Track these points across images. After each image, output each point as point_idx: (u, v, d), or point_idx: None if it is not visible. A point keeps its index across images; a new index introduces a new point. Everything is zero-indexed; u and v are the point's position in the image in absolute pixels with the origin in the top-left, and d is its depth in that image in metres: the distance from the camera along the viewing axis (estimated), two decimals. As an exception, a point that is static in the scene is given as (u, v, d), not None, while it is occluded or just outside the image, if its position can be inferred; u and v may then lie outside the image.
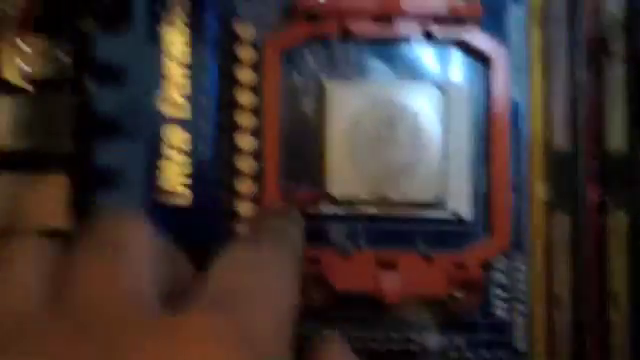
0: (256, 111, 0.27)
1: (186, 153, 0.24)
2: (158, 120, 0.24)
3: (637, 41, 0.26)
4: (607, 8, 0.27)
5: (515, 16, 0.29)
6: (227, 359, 0.14)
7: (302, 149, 0.28)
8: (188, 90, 0.24)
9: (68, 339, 0.15)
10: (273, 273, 0.19)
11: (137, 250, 0.17)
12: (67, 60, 0.24)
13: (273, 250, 0.20)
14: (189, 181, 0.24)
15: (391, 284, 0.26)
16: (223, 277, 0.18)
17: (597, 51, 0.27)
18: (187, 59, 0.24)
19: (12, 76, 0.24)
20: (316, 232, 0.27)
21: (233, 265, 0.19)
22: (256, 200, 0.27)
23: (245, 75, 0.26)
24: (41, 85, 0.24)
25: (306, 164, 0.28)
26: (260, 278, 0.18)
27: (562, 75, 0.27)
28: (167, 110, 0.24)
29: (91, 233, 0.18)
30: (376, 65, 0.29)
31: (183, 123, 0.24)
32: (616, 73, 0.26)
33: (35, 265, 0.17)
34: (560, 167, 0.27)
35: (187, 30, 0.24)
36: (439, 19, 0.27)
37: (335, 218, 0.28)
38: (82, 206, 0.22)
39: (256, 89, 0.27)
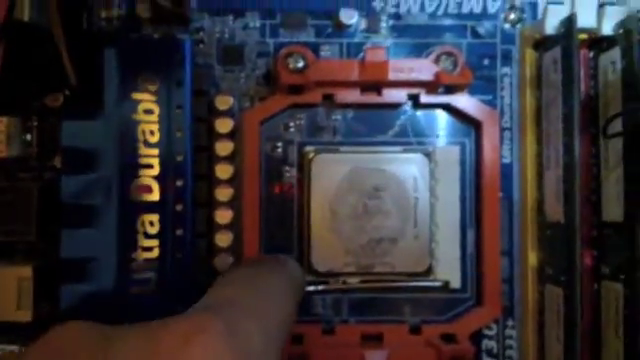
0: (235, 183, 0.26)
1: (159, 236, 0.22)
2: (129, 206, 0.22)
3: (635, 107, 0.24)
4: (605, 73, 0.25)
5: (507, 78, 0.28)
6: (210, 347, 0.15)
7: (283, 221, 0.27)
8: (160, 171, 0.22)
9: None
10: (266, 291, 0.20)
11: None
12: (32, 140, 0.22)
13: (271, 273, 0.21)
14: (160, 264, 0.22)
15: (377, 365, 0.25)
16: (220, 290, 0.19)
17: (593, 118, 0.26)
18: (160, 139, 0.22)
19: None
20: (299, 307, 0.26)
21: (231, 281, 0.20)
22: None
23: (224, 148, 0.25)
24: (6, 165, 0.23)
25: (288, 237, 0.27)
26: (253, 293, 0.19)
27: (555, 141, 0.26)
28: (140, 195, 0.22)
29: None
30: (361, 131, 0.27)
31: (155, 206, 0.22)
32: (613, 142, 0.25)
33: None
34: (554, 237, 0.26)
35: (159, 110, 0.22)
36: (427, 85, 0.26)
37: (319, 291, 0.27)
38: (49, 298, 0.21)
39: (235, 161, 0.25)
